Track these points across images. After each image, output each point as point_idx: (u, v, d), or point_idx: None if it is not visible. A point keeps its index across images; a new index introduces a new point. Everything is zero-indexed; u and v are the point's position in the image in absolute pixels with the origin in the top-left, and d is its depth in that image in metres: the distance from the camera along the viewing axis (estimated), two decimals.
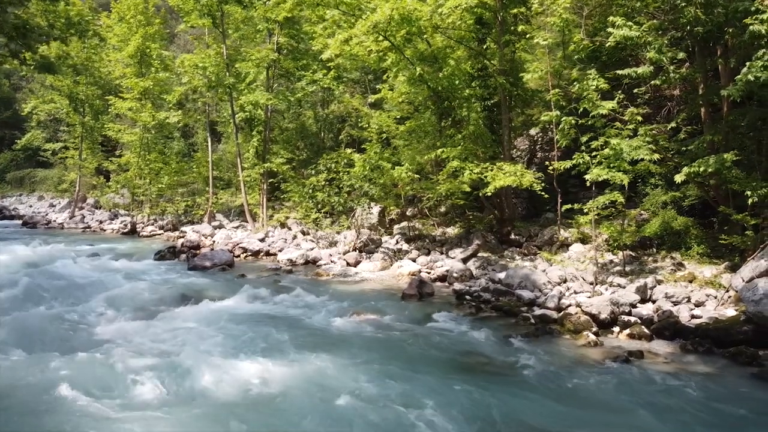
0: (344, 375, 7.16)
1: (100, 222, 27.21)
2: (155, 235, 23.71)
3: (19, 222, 28.36)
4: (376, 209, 18.51)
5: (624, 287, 10.20)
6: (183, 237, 20.10)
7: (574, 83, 11.51)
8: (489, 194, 13.32)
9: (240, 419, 6.00)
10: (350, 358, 7.75)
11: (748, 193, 9.66)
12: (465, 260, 13.83)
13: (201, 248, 18.16)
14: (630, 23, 10.44)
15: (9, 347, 7.92)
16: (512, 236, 15.14)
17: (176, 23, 23.75)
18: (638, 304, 9.50)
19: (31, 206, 36.12)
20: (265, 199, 21.50)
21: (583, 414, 6.20)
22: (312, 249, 16.78)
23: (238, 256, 17.25)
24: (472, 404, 6.31)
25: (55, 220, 28.39)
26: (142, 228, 24.65)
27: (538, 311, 9.88)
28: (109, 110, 27.40)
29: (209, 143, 25.49)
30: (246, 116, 22.15)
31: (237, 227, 22.01)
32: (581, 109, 11.22)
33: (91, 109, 29.30)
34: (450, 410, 6.14)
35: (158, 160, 25.90)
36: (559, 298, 10.24)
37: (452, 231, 17.11)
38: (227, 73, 21.16)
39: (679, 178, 10.23)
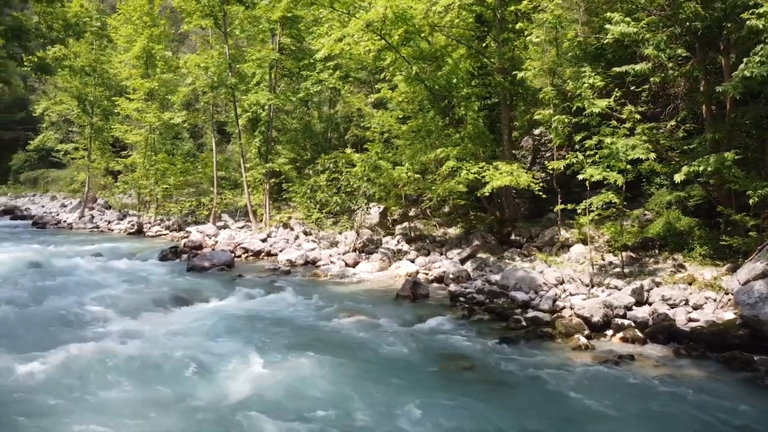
0: (326, 377, 7.06)
1: (109, 222, 27.41)
2: (161, 235, 23.82)
3: (30, 222, 28.66)
4: (375, 209, 18.39)
5: (620, 289, 9.95)
6: (187, 237, 20.14)
7: (568, 81, 11.29)
8: (487, 194, 13.13)
9: (216, 421, 5.97)
10: (335, 361, 7.64)
11: (749, 192, 9.40)
12: (462, 261, 13.66)
13: (203, 248, 18.17)
14: (627, 19, 10.19)
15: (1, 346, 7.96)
16: (513, 237, 14.92)
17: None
18: (634, 307, 9.25)
19: (43, 206, 36.54)
20: (268, 199, 21.48)
21: (563, 420, 6.03)
22: (313, 249, 16.71)
23: (239, 256, 17.23)
24: (451, 410, 6.17)
25: (65, 221, 28.65)
26: (149, 228, 24.78)
27: (530, 313, 9.69)
28: (117, 111, 27.58)
29: (214, 144, 25.54)
30: (250, 117, 22.16)
31: (242, 227, 22.03)
32: (575, 108, 11.00)
33: (100, 110, 29.55)
34: (427, 416, 6.01)
35: (165, 160, 26.00)
36: (554, 301, 10.04)
37: (453, 231, 16.92)
38: (229, 74, 21.18)
39: (678, 177, 9.98)
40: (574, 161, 11.00)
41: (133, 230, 24.76)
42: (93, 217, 28.98)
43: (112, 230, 25.93)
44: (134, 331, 9.06)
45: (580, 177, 10.73)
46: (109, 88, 30.00)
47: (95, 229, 26.48)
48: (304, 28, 20.95)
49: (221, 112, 28.79)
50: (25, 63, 11.40)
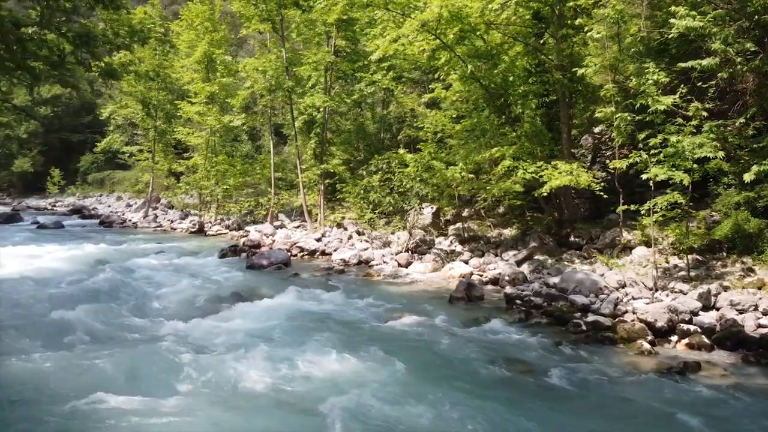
0: (382, 378, 7.09)
1: (171, 221, 28.42)
2: (221, 234, 24.53)
3: (97, 221, 30.03)
4: (428, 210, 18.35)
5: (686, 293, 9.59)
6: (246, 236, 20.70)
7: (631, 78, 10.94)
8: (545, 194, 12.88)
9: (271, 417, 6.10)
10: (390, 361, 7.66)
11: None
12: (519, 263, 13.45)
13: (261, 247, 18.59)
14: (693, 13, 9.80)
15: (67, 340, 8.37)
16: (572, 238, 14.57)
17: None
18: (700, 312, 8.93)
19: (109, 206, 38.20)
20: (322, 200, 21.81)
21: (624, 428, 5.86)
22: (366, 249, 16.85)
23: (295, 255, 17.56)
24: (508, 414, 6.09)
25: (130, 220, 29.87)
26: (209, 227, 25.55)
27: (590, 318, 9.46)
28: (179, 114, 28.61)
29: (271, 145, 26.13)
30: (306, 119, 22.55)
31: (297, 227, 22.43)
32: (638, 105, 10.66)
33: (163, 113, 30.71)
34: (483, 420, 5.95)
35: (225, 162, 26.79)
36: (615, 305, 9.77)
37: (509, 232, 16.69)
38: (286, 77, 21.61)
39: (748, 177, 9.55)
40: (638, 160, 10.67)
41: (195, 229, 25.60)
42: (156, 216, 30.09)
43: (175, 229, 26.87)
44: (195, 328, 9.28)
45: (643, 177, 10.40)
46: (172, 92, 31.13)
47: (158, 228, 27.49)
48: (359, 30, 21.14)
49: (278, 114, 29.42)
50: (92, 68, 11.90)
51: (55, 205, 41.74)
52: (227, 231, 24.80)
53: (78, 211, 35.27)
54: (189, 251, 18.28)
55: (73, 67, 11.58)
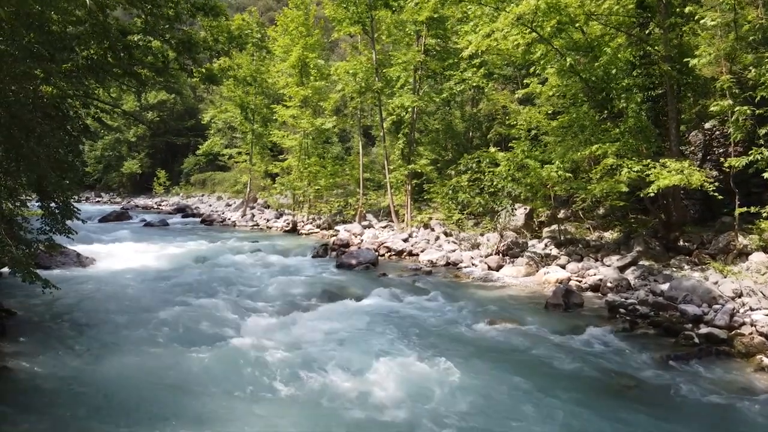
0: (471, 384, 6.83)
1: (267, 220, 29.35)
2: (313, 233, 25.01)
3: (198, 220, 31.65)
4: (520, 210, 17.68)
5: None
6: (335, 235, 20.98)
7: (750, 68, 9.91)
8: (652, 195, 11.98)
9: (358, 418, 6.00)
10: (481, 367, 7.40)
11: None
12: (622, 269, 12.59)
13: (350, 246, 18.75)
14: None
15: (165, 335, 8.69)
16: (680, 243, 13.49)
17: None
18: None
19: (210, 205, 40.09)
20: (409, 200, 21.68)
21: None
22: (454, 251, 16.50)
23: (383, 255, 17.55)
24: (609, 430, 5.62)
25: (229, 218, 31.16)
26: (302, 226, 26.15)
27: (703, 329, 8.65)
28: (275, 118, 29.55)
29: (360, 147, 26.36)
30: (394, 119, 22.50)
31: (384, 227, 22.44)
32: (758, 98, 9.63)
33: (260, 117, 31.86)
34: None
35: (316, 163, 27.38)
36: (731, 316, 8.88)
37: (610, 236, 15.73)
38: (376, 79, 21.68)
39: None
40: (758, 158, 9.66)
41: (288, 228, 26.28)
42: (253, 215, 31.20)
43: (270, 228, 27.73)
44: (287, 326, 9.42)
45: (765, 176, 9.39)
46: (268, 97, 32.21)
47: (255, 227, 28.46)
48: (450, 27, 20.83)
49: (367, 116, 29.62)
50: (194, 74, 12.31)
51: (160, 205, 44.33)
52: (318, 230, 25.27)
53: (181, 210, 37.17)
54: (283, 249, 18.74)
55: (177, 73, 12.02)
